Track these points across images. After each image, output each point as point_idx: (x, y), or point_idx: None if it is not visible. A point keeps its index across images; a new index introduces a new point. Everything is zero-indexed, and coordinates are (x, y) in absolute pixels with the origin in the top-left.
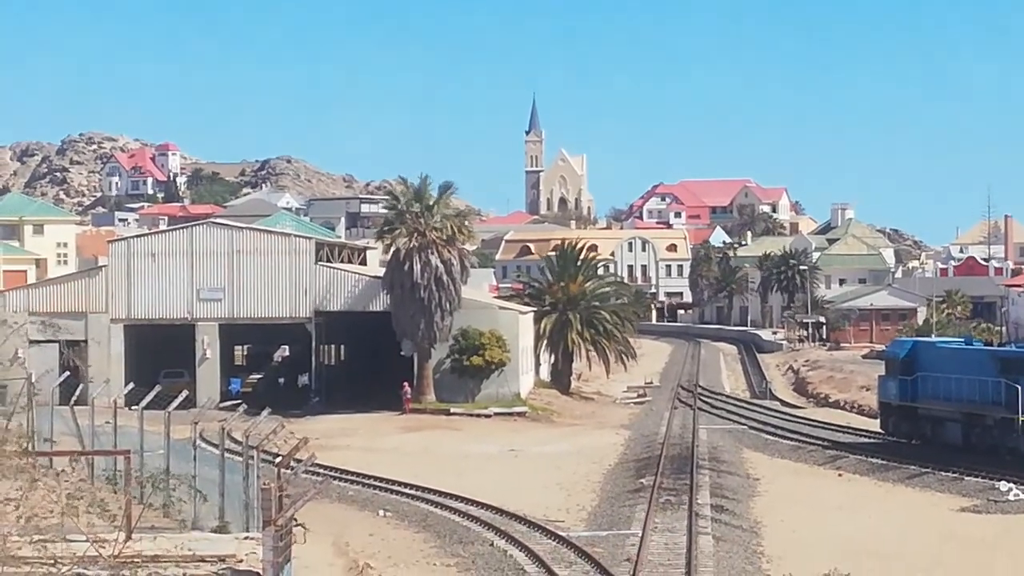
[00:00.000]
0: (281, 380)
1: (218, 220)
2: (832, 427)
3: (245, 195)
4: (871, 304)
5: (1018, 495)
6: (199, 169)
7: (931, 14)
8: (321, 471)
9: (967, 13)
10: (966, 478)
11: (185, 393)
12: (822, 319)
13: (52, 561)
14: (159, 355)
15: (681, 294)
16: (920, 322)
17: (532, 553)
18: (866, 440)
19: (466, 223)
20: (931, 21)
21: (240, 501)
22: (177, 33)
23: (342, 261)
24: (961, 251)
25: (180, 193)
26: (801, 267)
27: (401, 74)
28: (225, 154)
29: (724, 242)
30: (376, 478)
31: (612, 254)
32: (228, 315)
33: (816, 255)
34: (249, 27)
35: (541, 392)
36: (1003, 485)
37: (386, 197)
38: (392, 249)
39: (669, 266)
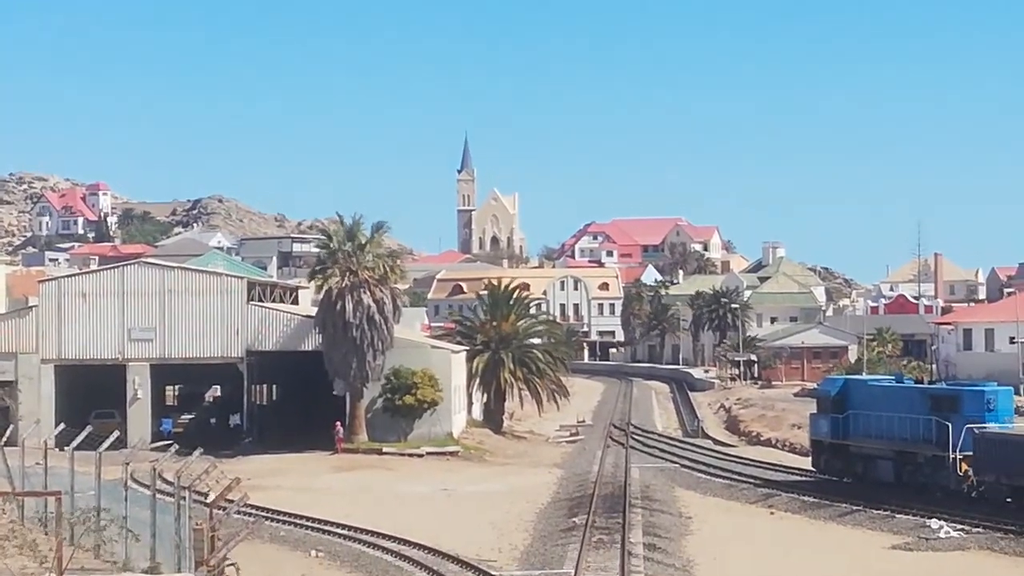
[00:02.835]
0: (213, 420)
1: (149, 260)
2: (764, 465)
3: (176, 235)
4: (802, 342)
5: (949, 532)
6: (130, 209)
7: (859, 56)
8: (253, 511)
9: (896, 52)
10: (897, 516)
11: (116, 434)
12: (754, 357)
13: None
14: (90, 395)
15: (613, 333)
16: (851, 360)
17: None
18: (798, 478)
19: (398, 262)
20: (858, 62)
21: (172, 542)
22: (107, 71)
23: (274, 300)
24: (891, 289)
25: (111, 233)
26: (732, 305)
27: (332, 112)
28: (156, 193)
29: (656, 280)
30: (308, 518)
31: (544, 293)
32: (159, 355)
33: (747, 293)
34: (180, 65)
35: (473, 431)
36: (934, 523)
37: (318, 236)
38: (324, 288)
39: (601, 305)
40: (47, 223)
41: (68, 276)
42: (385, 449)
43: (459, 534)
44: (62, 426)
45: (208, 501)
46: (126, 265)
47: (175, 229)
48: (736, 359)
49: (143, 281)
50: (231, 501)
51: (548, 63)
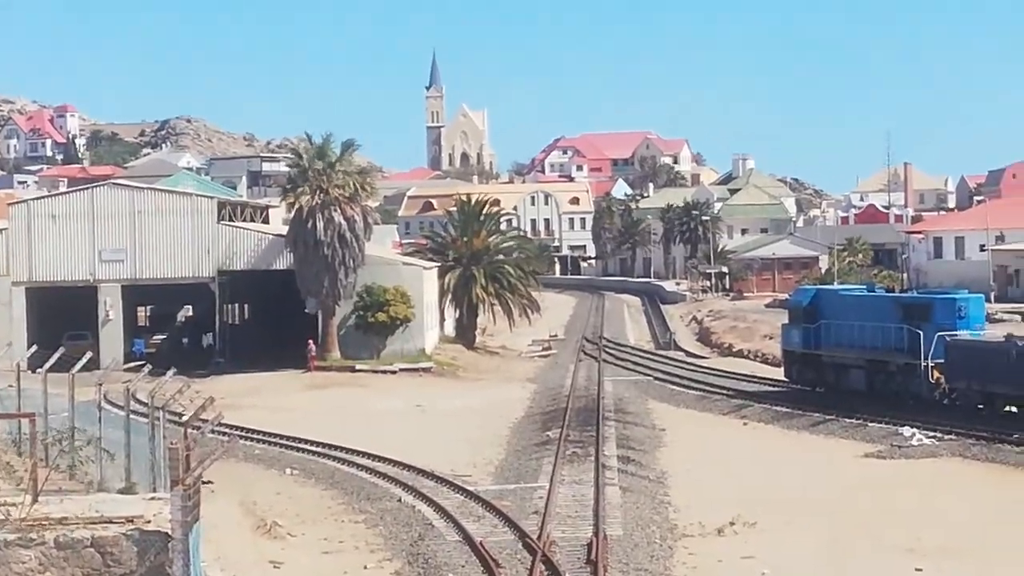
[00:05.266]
0: (185, 340)
1: (119, 181)
2: (736, 376)
3: (145, 155)
4: (773, 253)
5: (921, 440)
6: (98, 130)
7: None
8: (228, 430)
9: None
10: (870, 424)
11: (89, 355)
12: (725, 269)
13: None
14: (62, 317)
15: (584, 247)
16: (822, 270)
17: (440, 508)
18: (770, 388)
19: (368, 180)
20: None
21: (146, 462)
22: None
23: (245, 220)
24: (862, 199)
25: (80, 155)
26: (703, 218)
27: (300, 30)
28: (124, 115)
29: (626, 194)
30: (282, 436)
31: (515, 208)
32: (131, 276)
33: (718, 206)
34: None
35: (446, 347)
36: (906, 430)
37: (288, 155)
38: (295, 207)
39: (572, 219)
40: (15, 145)
41: (37, 198)
42: (358, 366)
43: (433, 450)
44: (34, 348)
45: (182, 421)
46: (96, 187)
47: (143, 150)
48: (707, 271)
49: (113, 202)
50: (205, 420)
51: None
